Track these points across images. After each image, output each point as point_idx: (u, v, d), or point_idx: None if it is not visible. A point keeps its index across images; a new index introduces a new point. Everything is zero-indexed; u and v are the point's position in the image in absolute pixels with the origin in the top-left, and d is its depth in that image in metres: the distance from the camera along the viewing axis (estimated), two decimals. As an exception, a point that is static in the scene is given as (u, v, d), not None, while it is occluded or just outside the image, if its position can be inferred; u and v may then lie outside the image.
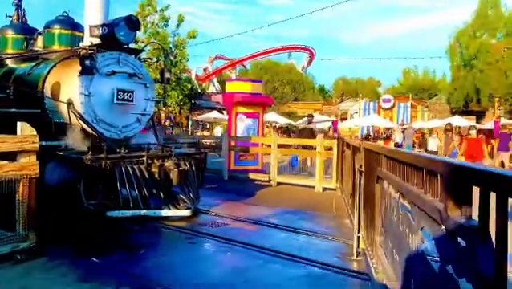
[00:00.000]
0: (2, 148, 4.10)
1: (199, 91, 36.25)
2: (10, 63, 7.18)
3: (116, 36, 5.89)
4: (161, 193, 5.53)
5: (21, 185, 4.20)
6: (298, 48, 45.57)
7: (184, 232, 5.66)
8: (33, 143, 4.26)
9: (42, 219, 4.52)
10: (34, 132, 4.30)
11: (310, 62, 46.40)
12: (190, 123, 32.35)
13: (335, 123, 30.01)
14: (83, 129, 5.85)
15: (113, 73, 5.93)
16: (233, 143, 11.86)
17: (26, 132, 4.27)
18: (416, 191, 2.35)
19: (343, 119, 37.09)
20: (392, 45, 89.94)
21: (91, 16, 6.15)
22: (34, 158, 4.29)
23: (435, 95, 44.15)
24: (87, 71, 5.57)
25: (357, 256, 4.63)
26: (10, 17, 7.62)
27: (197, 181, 6.09)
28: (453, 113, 32.56)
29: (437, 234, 1.87)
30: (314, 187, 9.89)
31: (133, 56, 6.37)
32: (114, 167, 5.19)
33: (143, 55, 7.04)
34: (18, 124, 4.31)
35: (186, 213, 5.52)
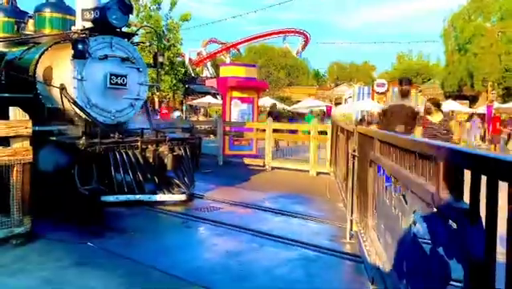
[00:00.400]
0: None
1: (193, 75, 36.06)
2: (0, 47, 7.08)
3: (109, 20, 5.81)
4: (156, 178, 5.54)
5: (14, 170, 4.20)
6: (293, 32, 45.32)
7: (179, 216, 5.69)
8: (26, 128, 4.25)
9: (36, 204, 4.53)
10: (27, 117, 4.27)
11: (304, 46, 46.20)
12: (184, 108, 32.24)
13: (328, 108, 30.05)
14: (76, 114, 5.82)
15: (106, 57, 5.87)
16: (227, 128, 11.85)
17: (18, 117, 4.24)
18: (408, 175, 2.38)
19: (338, 104, 37.09)
20: (385, 30, 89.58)
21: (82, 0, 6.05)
22: (27, 143, 4.29)
23: (429, 80, 44.21)
24: (80, 55, 5.51)
25: (350, 239, 4.69)
26: (-1, 0, 7.52)
27: (191, 166, 6.10)
28: (447, 97, 32.65)
29: (429, 216, 1.90)
30: (308, 171, 9.95)
31: (126, 40, 6.29)
32: (108, 152, 5.18)
33: (136, 39, 6.96)
34: (11, 108, 4.28)
35: (181, 197, 5.55)
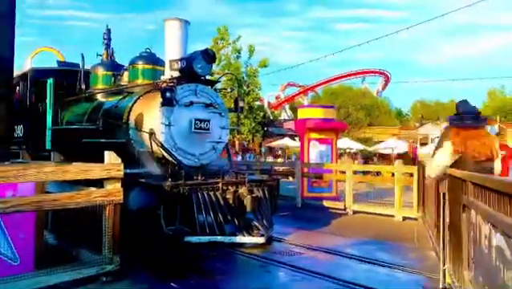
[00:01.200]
0: (91, 176, 4.44)
1: (271, 118, 36.78)
2: (100, 97, 7.84)
3: (194, 69, 6.19)
4: (236, 220, 5.58)
5: (107, 210, 4.49)
6: (372, 72, 44.65)
7: (258, 260, 5.64)
8: (118, 170, 4.56)
9: (124, 243, 4.77)
10: (119, 161, 4.59)
11: (385, 85, 45.14)
12: (263, 150, 32.78)
13: (414, 149, 28.63)
14: (163, 157, 6.15)
15: (191, 104, 6.22)
16: (305, 169, 11.75)
17: (112, 160, 4.57)
18: (510, 221, 2.12)
19: (424, 144, 35.25)
20: (471, 65, 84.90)
21: (171, 51, 6.54)
22: (119, 185, 4.59)
23: (527, 117, 40.56)
24: (168, 103, 5.89)
25: (443, 292, 4.27)
26: (100, 55, 8.39)
27: (270, 208, 6.08)
28: (550, 135, 29.56)
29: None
30: (393, 216, 9.42)
31: (209, 87, 6.64)
32: (191, 193, 5.36)
33: (218, 86, 7.31)
34: (106, 153, 4.62)
35: (260, 240, 5.51)
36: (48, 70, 8.72)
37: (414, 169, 9.66)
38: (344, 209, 10.27)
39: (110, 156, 4.54)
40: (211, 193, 5.51)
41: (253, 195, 5.61)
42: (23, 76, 8.71)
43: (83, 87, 8.11)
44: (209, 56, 6.31)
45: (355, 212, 10.13)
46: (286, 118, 38.48)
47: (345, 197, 10.43)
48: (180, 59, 6.30)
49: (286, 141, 30.86)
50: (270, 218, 5.99)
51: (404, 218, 9.27)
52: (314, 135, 12.46)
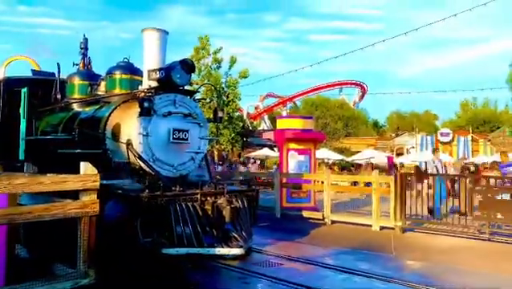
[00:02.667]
0: (66, 187, 4.24)
1: (250, 128, 36.88)
2: (75, 107, 7.68)
3: (173, 79, 6.15)
4: (214, 231, 5.52)
5: (82, 222, 4.36)
6: (349, 84, 45.45)
7: (237, 271, 5.59)
8: (94, 182, 4.41)
9: (101, 256, 4.65)
10: (96, 172, 4.47)
11: (362, 97, 45.99)
12: (242, 160, 32.76)
13: (390, 159, 29.11)
14: (140, 168, 6.05)
15: (169, 114, 6.16)
16: (284, 180, 11.77)
17: (88, 171, 4.41)
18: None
19: (399, 154, 35.91)
20: (446, 77, 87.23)
21: (149, 61, 6.48)
22: (94, 196, 4.43)
23: (498, 128, 41.87)
24: (146, 113, 5.82)
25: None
26: (76, 65, 8.24)
27: (249, 219, 6.05)
28: (520, 146, 30.56)
29: None
30: (371, 226, 9.51)
31: (188, 97, 6.60)
32: (169, 204, 5.28)
33: (197, 96, 7.29)
34: (81, 164, 4.51)
35: (239, 251, 5.46)
36: (22, 79, 8.51)
37: (391, 179, 9.79)
38: (323, 219, 10.31)
39: (86, 167, 4.40)
40: (189, 204, 5.45)
41: (232, 206, 5.57)
42: None
43: (59, 96, 7.95)
44: (187, 66, 6.28)
45: (333, 222, 10.19)
46: (266, 128, 38.66)
47: (323, 207, 10.48)
48: (159, 69, 6.25)
49: (266, 151, 30.94)
50: (249, 229, 5.96)
51: (382, 228, 9.37)
52: (292, 145, 12.52)
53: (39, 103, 7.90)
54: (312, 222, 10.21)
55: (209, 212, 5.54)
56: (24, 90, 7.80)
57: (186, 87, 6.68)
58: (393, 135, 44.78)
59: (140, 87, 6.50)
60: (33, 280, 4.13)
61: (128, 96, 6.66)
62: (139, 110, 5.89)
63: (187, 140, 6.36)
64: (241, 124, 31.38)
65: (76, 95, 7.80)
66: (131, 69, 7.18)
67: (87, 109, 7.31)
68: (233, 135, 28.88)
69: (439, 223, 9.05)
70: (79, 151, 6.56)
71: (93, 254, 4.43)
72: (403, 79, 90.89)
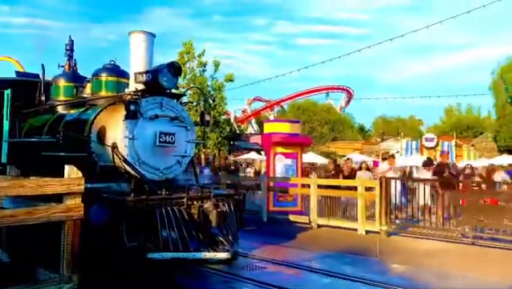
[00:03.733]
0: (50, 191, 4.17)
1: (238, 132, 36.85)
2: (60, 109, 7.58)
3: (159, 82, 6.11)
4: (200, 235, 5.50)
5: (66, 226, 4.28)
6: (336, 89, 45.83)
7: (223, 275, 5.58)
8: (78, 185, 4.33)
9: (85, 260, 4.58)
10: (80, 175, 4.40)
11: (348, 101, 46.38)
12: (229, 163, 32.66)
13: (375, 163, 29.37)
14: (126, 171, 6.00)
15: (156, 117, 6.12)
16: (271, 183, 11.79)
17: (72, 174, 4.35)
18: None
19: (385, 159, 36.22)
20: (431, 83, 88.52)
21: (136, 64, 6.44)
22: (79, 200, 4.36)
23: (481, 134, 42.61)
24: (132, 116, 5.78)
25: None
26: (62, 66, 8.15)
27: (236, 223, 6.04)
28: (501, 152, 31.13)
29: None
30: (356, 230, 9.57)
31: (175, 100, 6.58)
32: (155, 208, 5.25)
33: (184, 99, 7.25)
34: (66, 167, 4.43)
35: (225, 255, 5.44)
36: (5, 80, 8.39)
37: (376, 183, 9.88)
38: (309, 223, 10.35)
39: (70, 171, 4.33)
40: (175, 209, 5.42)
41: (219, 210, 5.55)
42: None
43: (43, 98, 7.85)
44: (174, 69, 6.26)
45: (319, 226, 10.23)
46: (253, 132, 38.68)
47: (310, 211, 10.52)
48: (146, 72, 6.20)
49: (253, 155, 30.94)
50: (235, 233, 5.95)
51: (367, 232, 9.43)
52: (280, 149, 12.56)
53: (23, 105, 7.79)
54: (299, 226, 10.23)
55: (195, 216, 5.52)
56: (7, 91, 7.68)
57: (173, 91, 6.65)
58: (379, 140, 45.22)
59: (126, 90, 6.45)
60: (15, 285, 4.06)
61: (114, 99, 6.61)
62: (125, 113, 5.85)
63: (173, 143, 6.32)
64: (228, 128, 31.30)
65: (61, 97, 7.70)
66: (117, 71, 7.12)
67: (72, 111, 7.22)
68: (219, 139, 28.79)
69: (424, 227, 9.16)
70: (63, 154, 6.48)
71: (77, 259, 4.36)
72: (388, 84, 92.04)
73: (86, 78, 7.63)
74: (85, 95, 7.36)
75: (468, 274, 6.09)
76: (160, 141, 6.16)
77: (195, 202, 5.66)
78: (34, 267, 4.85)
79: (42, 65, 7.96)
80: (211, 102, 26.57)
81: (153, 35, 6.57)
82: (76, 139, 6.53)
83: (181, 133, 6.48)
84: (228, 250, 5.50)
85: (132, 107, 5.74)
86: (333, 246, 7.98)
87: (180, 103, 6.75)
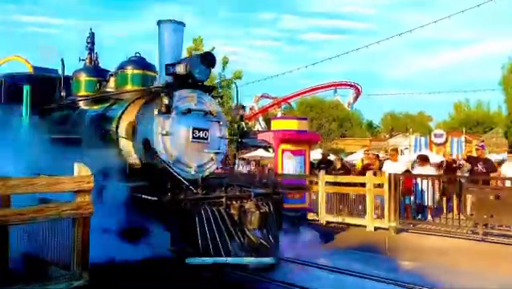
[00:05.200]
0: (61, 189, 4.09)
1: (245, 130, 36.45)
2: (82, 104, 7.22)
3: (193, 74, 5.73)
4: (241, 238, 5.09)
5: (76, 224, 4.11)
6: (344, 85, 45.35)
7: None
8: (88, 183, 4.18)
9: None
10: (89, 173, 4.19)
11: (356, 98, 45.94)
12: (237, 161, 32.33)
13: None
14: (158, 169, 5.63)
15: (189, 111, 5.75)
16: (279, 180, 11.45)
17: (81, 172, 4.20)
18: None
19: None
20: (439, 78, 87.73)
21: (165, 55, 6.04)
22: (88, 198, 4.19)
23: (491, 129, 42.11)
24: (165, 110, 5.41)
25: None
26: (83, 60, 7.75)
27: (276, 225, 5.63)
28: (512, 147, 30.74)
29: None
30: (365, 226, 9.37)
31: (207, 94, 6.19)
32: (193, 209, 4.87)
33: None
34: (75, 165, 4.23)
35: (270, 261, 5.05)
36: (24, 76, 8.03)
37: (385, 180, 9.55)
38: (317, 220, 10.12)
39: (79, 168, 4.19)
40: (214, 209, 5.03)
41: (262, 211, 5.15)
42: None
43: (64, 94, 7.47)
44: (207, 60, 5.86)
45: (328, 222, 9.97)
46: (260, 129, 38.29)
47: (318, 208, 10.24)
48: (177, 63, 5.81)
49: (260, 152, 30.58)
50: (276, 236, 5.54)
51: (376, 228, 9.22)
52: (287, 146, 12.26)
53: (42, 102, 7.40)
54: (307, 223, 9.94)
55: (236, 217, 5.12)
56: (27, 87, 7.31)
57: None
58: (387, 136, 44.77)
59: (155, 83, 6.07)
60: (25, 282, 3.97)
61: (142, 93, 6.23)
62: (157, 107, 5.47)
63: (207, 139, 5.95)
64: (236, 126, 30.92)
65: (83, 92, 7.31)
66: (143, 64, 6.73)
67: (95, 107, 6.85)
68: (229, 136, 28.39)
69: (433, 224, 9.02)
70: (87, 152, 6.13)
71: (87, 256, 4.17)
72: (396, 80, 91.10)
73: (108, 72, 7.26)
74: (108, 90, 7.00)
75: (477, 271, 5.96)
76: (193, 137, 5.78)
77: (234, 202, 5.27)
78: (45, 264, 4.54)
79: (62, 59, 7.55)
80: (219, 100, 26.16)
81: (183, 24, 6.17)
82: (102, 136, 6.17)
83: (214, 129, 6.11)
84: (272, 255, 5.11)
85: (166, 101, 5.37)
86: (341, 242, 7.89)
87: (212, 97, 6.35)
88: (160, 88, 5.84)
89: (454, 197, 9.66)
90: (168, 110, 5.43)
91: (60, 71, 7.55)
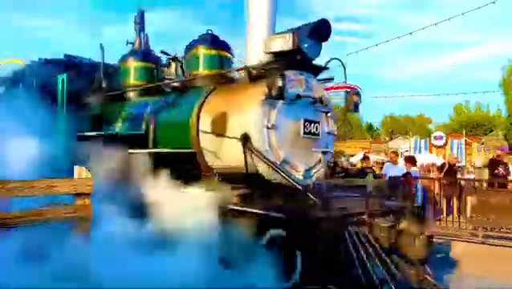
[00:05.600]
0: (59, 191, 3.97)
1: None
2: (133, 95, 5.80)
3: (302, 50, 4.35)
4: (398, 271, 3.70)
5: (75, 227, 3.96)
6: (343, 87, 44.42)
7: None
8: (88, 186, 4.03)
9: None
10: (89, 176, 4.01)
11: (356, 100, 44.95)
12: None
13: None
14: (258, 173, 4.24)
15: (298, 98, 4.37)
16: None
17: (82, 175, 4.07)
18: None
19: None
20: (439, 80, 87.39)
21: (257, 28, 4.67)
22: (88, 201, 4.04)
23: (491, 131, 41.75)
24: (277, 96, 4.03)
25: None
26: (131, 43, 6.29)
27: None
28: (512, 149, 30.26)
29: None
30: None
31: (313, 77, 4.79)
32: (340, 230, 3.49)
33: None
34: (75, 167, 3.95)
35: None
36: (60, 62, 6.58)
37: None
38: None
39: (79, 171, 4.03)
40: (358, 231, 3.65)
41: (427, 234, 3.75)
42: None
43: (105, 84, 6.03)
44: (318, 31, 4.48)
45: None
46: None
47: None
48: (279, 37, 4.42)
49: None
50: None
51: None
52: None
53: (82, 92, 5.94)
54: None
55: (385, 241, 3.73)
56: (63, 76, 5.85)
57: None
58: (387, 138, 44.00)
59: (248, 63, 4.66)
60: None
61: (218, 78, 4.88)
62: (257, 93, 4.12)
63: (318, 134, 4.59)
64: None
65: (133, 81, 5.88)
66: (218, 43, 5.30)
67: (156, 98, 5.41)
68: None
69: (432, 226, 8.14)
70: (155, 151, 4.75)
71: None
72: (396, 82, 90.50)
73: (163, 55, 5.86)
74: (169, 77, 5.59)
75: (476, 273, 5.61)
76: (304, 132, 4.42)
77: (377, 220, 3.89)
78: None
79: (101, 44, 6.12)
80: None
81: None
82: (173, 131, 4.79)
83: (323, 121, 4.75)
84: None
85: (280, 83, 3.98)
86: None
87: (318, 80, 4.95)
88: (254, 69, 4.45)
89: (454, 199, 9.60)
90: (282, 95, 4.05)
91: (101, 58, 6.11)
